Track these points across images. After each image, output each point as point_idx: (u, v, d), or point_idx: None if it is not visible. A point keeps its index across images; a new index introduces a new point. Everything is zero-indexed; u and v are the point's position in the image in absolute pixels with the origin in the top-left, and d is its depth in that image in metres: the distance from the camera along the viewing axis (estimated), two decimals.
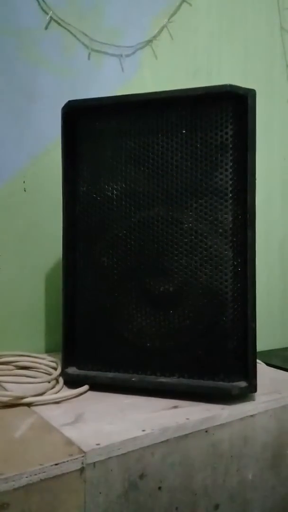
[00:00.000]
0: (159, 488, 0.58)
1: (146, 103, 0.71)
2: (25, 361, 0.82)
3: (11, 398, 0.64)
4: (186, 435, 0.60)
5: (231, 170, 0.68)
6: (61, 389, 0.71)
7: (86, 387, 0.71)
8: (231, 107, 0.68)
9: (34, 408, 0.64)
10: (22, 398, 0.65)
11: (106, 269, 0.73)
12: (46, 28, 0.95)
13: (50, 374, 0.76)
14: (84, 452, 0.52)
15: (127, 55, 1.05)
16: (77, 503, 0.51)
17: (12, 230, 0.93)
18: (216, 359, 0.68)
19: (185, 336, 0.69)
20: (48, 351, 0.95)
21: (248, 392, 0.68)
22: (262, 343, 1.08)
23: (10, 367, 0.81)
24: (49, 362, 0.81)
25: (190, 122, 0.69)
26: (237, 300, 0.68)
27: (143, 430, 0.57)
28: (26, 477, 0.47)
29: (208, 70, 1.17)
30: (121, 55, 1.04)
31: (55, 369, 0.78)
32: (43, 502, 0.48)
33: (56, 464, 0.49)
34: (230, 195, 0.68)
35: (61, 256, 0.75)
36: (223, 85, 0.68)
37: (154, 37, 1.08)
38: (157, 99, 0.70)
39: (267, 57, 1.28)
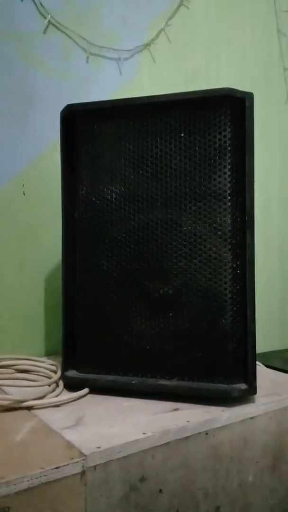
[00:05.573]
0: (160, 491, 0.58)
1: (145, 107, 0.71)
2: (25, 364, 0.82)
3: (11, 402, 0.64)
4: (186, 438, 0.60)
5: (229, 172, 0.68)
6: (61, 393, 0.71)
7: (86, 390, 0.71)
8: (229, 110, 0.68)
9: (34, 412, 0.64)
10: (22, 401, 0.65)
11: (106, 272, 0.73)
12: (44, 32, 0.96)
13: (50, 378, 0.76)
14: (84, 455, 0.52)
15: (125, 59, 1.05)
16: (78, 506, 0.51)
17: (12, 233, 0.93)
18: (216, 361, 0.69)
19: (185, 339, 0.70)
20: (48, 354, 0.95)
21: (248, 394, 0.68)
22: (262, 345, 1.08)
23: (10, 370, 0.81)
24: (49, 366, 0.81)
25: (189, 125, 0.69)
26: (237, 302, 0.68)
27: (144, 433, 0.57)
28: (27, 481, 0.47)
29: (206, 73, 1.17)
30: (119, 59, 1.04)
31: (55, 372, 0.78)
32: (44, 505, 0.48)
33: (57, 468, 0.49)
34: (229, 197, 0.68)
35: (60, 259, 0.76)
36: (221, 88, 0.68)
37: (152, 40, 1.08)
38: (155, 103, 0.71)
39: (264, 60, 1.28)
